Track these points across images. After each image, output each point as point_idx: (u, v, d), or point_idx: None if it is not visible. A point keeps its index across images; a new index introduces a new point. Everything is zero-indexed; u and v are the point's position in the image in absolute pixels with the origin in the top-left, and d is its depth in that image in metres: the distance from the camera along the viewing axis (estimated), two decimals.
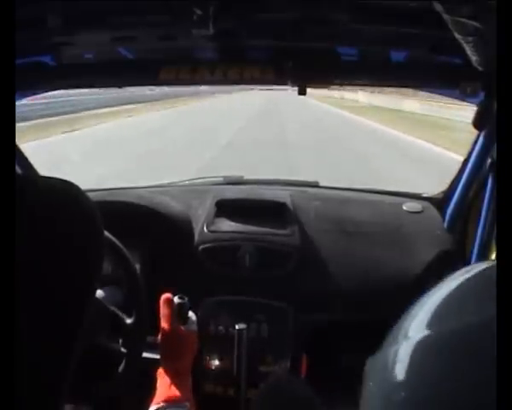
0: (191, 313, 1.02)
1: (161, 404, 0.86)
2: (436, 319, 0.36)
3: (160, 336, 0.95)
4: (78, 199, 0.51)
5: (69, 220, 0.49)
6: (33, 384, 0.45)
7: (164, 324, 0.95)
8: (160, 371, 0.93)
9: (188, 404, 0.88)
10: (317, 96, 28.99)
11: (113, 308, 1.02)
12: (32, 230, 0.45)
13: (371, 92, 27.03)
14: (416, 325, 0.36)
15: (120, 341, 1.02)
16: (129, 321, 1.01)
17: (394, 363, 0.36)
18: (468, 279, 0.37)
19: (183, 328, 0.97)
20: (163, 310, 0.96)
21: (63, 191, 0.51)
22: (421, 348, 0.35)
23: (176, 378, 0.91)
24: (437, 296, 0.37)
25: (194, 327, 1.00)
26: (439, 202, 1.56)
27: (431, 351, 0.34)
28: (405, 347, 0.35)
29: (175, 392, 0.89)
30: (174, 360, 0.94)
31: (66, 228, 0.48)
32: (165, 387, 0.90)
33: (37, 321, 0.45)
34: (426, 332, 0.35)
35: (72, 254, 0.48)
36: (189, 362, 0.97)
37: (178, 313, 0.98)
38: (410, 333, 0.36)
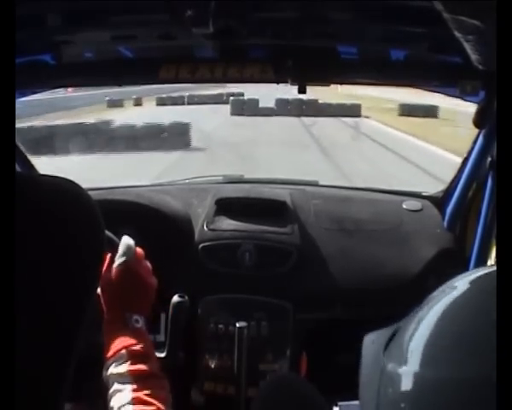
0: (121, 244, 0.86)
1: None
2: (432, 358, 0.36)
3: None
4: (78, 198, 0.51)
5: (70, 219, 0.49)
6: (34, 384, 0.45)
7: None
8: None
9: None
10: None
11: None
12: (33, 228, 0.45)
13: None
14: (415, 351, 0.37)
15: None
16: None
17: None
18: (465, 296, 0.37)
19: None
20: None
21: (64, 190, 0.50)
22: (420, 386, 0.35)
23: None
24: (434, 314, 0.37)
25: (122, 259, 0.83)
26: (439, 201, 1.56)
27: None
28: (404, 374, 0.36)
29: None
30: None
31: (66, 227, 0.48)
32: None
33: (37, 320, 0.45)
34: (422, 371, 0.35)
35: (72, 252, 0.48)
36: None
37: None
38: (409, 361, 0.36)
